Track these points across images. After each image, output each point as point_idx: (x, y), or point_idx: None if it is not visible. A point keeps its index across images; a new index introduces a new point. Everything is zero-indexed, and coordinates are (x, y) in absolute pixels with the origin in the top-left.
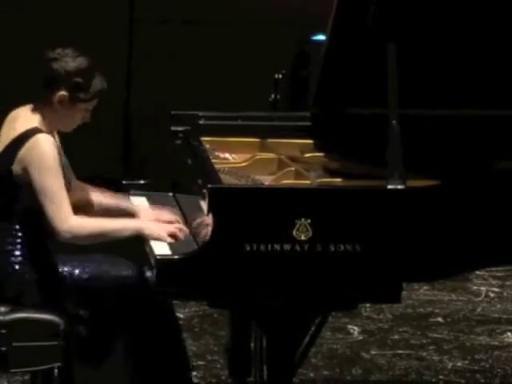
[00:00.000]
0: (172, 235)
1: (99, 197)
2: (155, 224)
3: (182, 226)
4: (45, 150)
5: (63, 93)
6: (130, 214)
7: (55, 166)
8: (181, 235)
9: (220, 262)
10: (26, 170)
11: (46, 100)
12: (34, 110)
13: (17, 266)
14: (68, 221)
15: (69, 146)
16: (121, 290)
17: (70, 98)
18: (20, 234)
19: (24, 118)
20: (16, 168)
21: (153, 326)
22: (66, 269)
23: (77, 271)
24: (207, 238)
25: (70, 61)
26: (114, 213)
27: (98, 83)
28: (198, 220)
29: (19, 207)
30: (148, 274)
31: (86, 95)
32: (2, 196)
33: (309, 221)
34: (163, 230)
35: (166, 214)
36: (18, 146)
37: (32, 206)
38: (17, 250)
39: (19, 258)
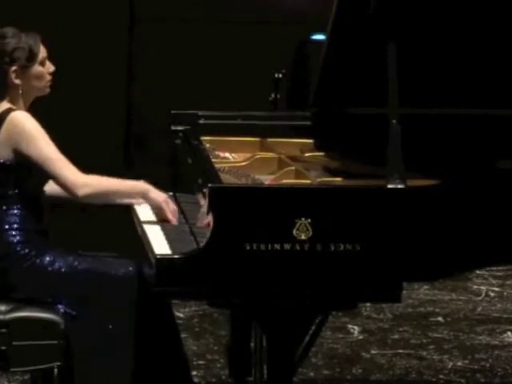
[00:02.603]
0: (170, 213)
1: None
2: (159, 192)
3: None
4: (25, 124)
5: (13, 68)
6: None
7: (42, 133)
8: (175, 217)
9: (220, 262)
10: (15, 151)
11: (4, 86)
12: (2, 98)
13: (18, 248)
14: (80, 176)
15: (69, 144)
16: (118, 287)
17: (22, 67)
18: (16, 218)
19: None
20: (2, 152)
21: (152, 324)
22: (64, 259)
23: (75, 262)
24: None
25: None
26: None
27: (29, 37)
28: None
29: (12, 191)
30: (147, 272)
31: (28, 54)
32: None
33: (309, 220)
34: (165, 199)
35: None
36: None
37: (24, 189)
38: (15, 232)
39: (18, 238)
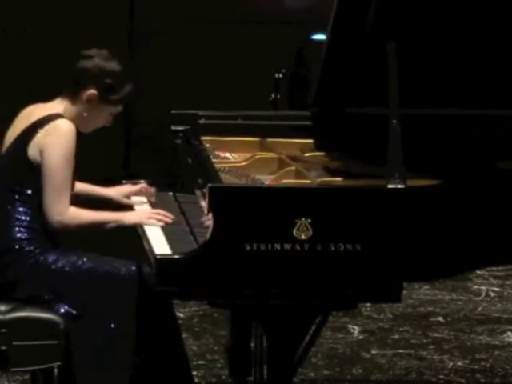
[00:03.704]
0: (156, 219)
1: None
2: (135, 212)
3: (165, 212)
4: (64, 136)
5: (93, 91)
6: (100, 199)
7: (70, 154)
8: (164, 218)
9: (220, 262)
10: (41, 152)
11: (73, 96)
12: (59, 103)
13: (23, 244)
14: (63, 213)
15: None
16: (120, 287)
17: (100, 98)
18: (27, 217)
19: (46, 107)
20: (32, 151)
21: (152, 325)
22: (68, 258)
23: (79, 262)
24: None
25: (103, 61)
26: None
27: (129, 88)
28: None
29: (29, 191)
30: (148, 271)
31: (115, 97)
32: (15, 180)
33: (309, 220)
34: (143, 215)
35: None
36: (37, 128)
37: (40, 190)
38: (23, 229)
39: (24, 235)
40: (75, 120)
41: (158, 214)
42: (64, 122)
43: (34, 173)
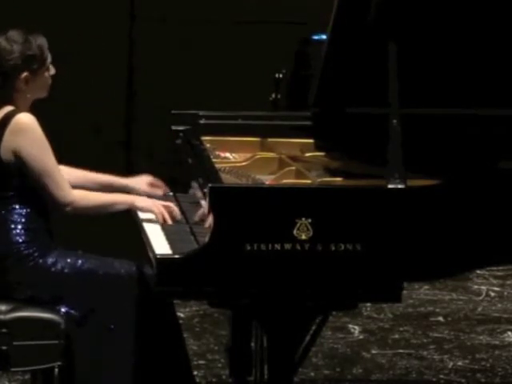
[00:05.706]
0: (163, 214)
1: (90, 175)
2: (149, 199)
3: (175, 208)
4: (30, 130)
5: (23, 74)
6: (121, 190)
7: (44, 142)
8: (171, 215)
9: (220, 262)
10: (16, 154)
11: (14, 90)
12: (3, 102)
13: (21, 247)
14: (69, 195)
15: (69, 144)
16: (120, 287)
17: (31, 73)
18: (22, 218)
19: (2, 107)
20: (5, 154)
21: (153, 324)
22: (67, 260)
23: (78, 263)
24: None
25: (7, 47)
26: (108, 190)
27: (39, 42)
28: (200, 212)
29: (16, 192)
30: (148, 272)
31: (39, 60)
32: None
33: (309, 220)
34: (155, 204)
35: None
36: (1, 130)
37: (28, 189)
38: (20, 231)
39: (22, 238)
40: (28, 104)
41: (170, 209)
42: (23, 116)
43: (13, 174)
